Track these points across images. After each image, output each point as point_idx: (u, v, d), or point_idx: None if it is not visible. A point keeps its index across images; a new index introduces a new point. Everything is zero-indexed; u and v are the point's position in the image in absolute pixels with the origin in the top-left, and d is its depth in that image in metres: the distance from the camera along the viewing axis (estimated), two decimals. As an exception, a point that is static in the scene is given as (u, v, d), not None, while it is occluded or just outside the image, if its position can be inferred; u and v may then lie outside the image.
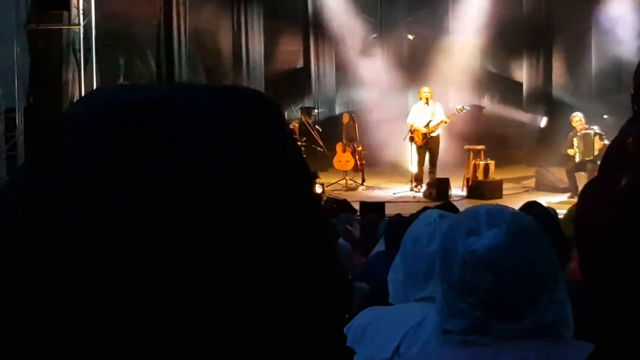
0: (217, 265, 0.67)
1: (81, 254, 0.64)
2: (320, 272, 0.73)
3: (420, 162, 16.35)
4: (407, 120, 16.28)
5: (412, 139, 16.09)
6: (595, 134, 14.82)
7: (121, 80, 20.00)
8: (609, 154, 0.82)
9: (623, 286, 0.74)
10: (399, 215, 6.67)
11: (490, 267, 1.69)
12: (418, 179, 16.42)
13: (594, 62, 19.45)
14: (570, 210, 6.82)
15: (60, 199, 0.66)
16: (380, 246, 6.41)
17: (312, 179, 0.79)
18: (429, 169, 16.40)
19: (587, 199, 0.82)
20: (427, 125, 16.03)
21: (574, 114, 15.54)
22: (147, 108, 0.70)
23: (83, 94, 17.08)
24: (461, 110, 16.39)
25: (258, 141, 0.71)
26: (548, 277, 1.74)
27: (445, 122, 16.17)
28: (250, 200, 0.68)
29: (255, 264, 0.68)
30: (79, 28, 17.20)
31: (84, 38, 17.45)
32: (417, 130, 16.02)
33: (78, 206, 0.65)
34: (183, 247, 0.65)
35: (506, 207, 1.99)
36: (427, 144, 16.19)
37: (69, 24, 17.23)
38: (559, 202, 13.72)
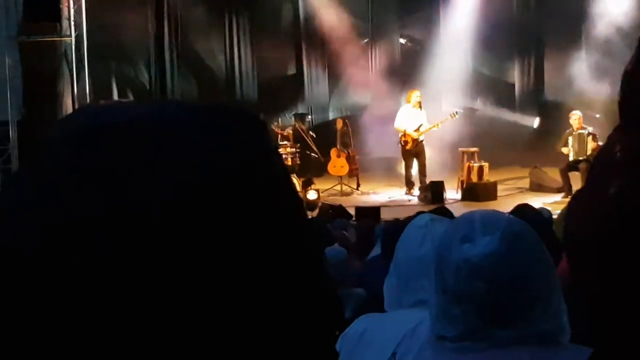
0: (202, 290, 0.66)
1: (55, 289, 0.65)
2: (309, 290, 0.73)
3: (409, 167, 16.37)
4: (395, 125, 16.24)
5: (405, 143, 16.09)
6: (589, 134, 14.85)
7: (114, 91, 20.01)
8: (597, 161, 0.82)
9: (614, 292, 0.74)
10: (396, 220, 6.66)
11: (485, 274, 1.69)
12: (409, 184, 16.45)
13: (585, 62, 19.48)
14: (564, 211, 6.82)
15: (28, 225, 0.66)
16: (376, 250, 6.40)
17: (298, 197, 0.78)
18: (421, 172, 16.40)
19: (576, 207, 0.82)
20: (418, 129, 16.03)
21: (573, 112, 15.56)
22: (121, 130, 0.70)
23: (76, 105, 17.12)
24: (454, 116, 16.41)
25: (235, 159, 0.71)
26: (543, 284, 1.73)
27: (437, 127, 16.18)
28: (236, 220, 0.68)
29: (242, 285, 0.68)
30: (71, 39, 17.18)
31: (75, 49, 17.44)
32: (409, 135, 16.01)
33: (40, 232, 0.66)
34: (150, 257, 0.66)
35: (501, 213, 1.98)
36: (415, 149, 16.18)
37: (61, 36, 17.21)
38: (554, 202, 13.75)
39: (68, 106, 17.47)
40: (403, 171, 16.64)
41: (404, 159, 16.38)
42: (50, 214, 0.66)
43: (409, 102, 16.37)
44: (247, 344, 0.69)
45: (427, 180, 16.04)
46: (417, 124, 16.05)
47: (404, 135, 16.06)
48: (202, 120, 0.74)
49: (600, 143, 13.32)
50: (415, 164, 16.38)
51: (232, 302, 0.69)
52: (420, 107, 16.22)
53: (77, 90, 17.49)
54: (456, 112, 16.57)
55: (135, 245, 0.66)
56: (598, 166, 0.82)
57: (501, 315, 1.71)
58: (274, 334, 0.70)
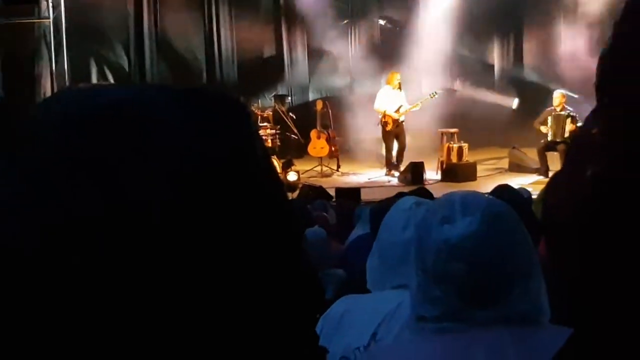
0: (182, 274, 0.66)
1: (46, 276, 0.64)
2: (292, 274, 0.74)
3: (390, 148, 16.40)
4: (375, 106, 16.27)
5: (385, 124, 16.11)
6: (568, 115, 14.87)
7: (93, 73, 19.87)
8: (574, 143, 0.83)
9: (593, 275, 0.75)
10: (384, 199, 6.66)
11: (464, 255, 1.70)
12: (390, 165, 16.48)
13: (564, 43, 19.51)
14: (542, 192, 6.86)
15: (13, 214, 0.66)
16: (356, 232, 6.42)
17: (280, 181, 0.79)
18: (400, 153, 16.45)
19: (554, 189, 0.83)
20: (398, 110, 16.06)
21: (558, 90, 15.60)
22: (106, 115, 0.69)
23: (55, 87, 17.00)
24: (433, 96, 16.45)
25: (223, 146, 0.71)
26: (523, 265, 1.74)
27: (417, 107, 16.23)
28: (216, 206, 0.68)
29: (222, 270, 0.68)
30: (49, 21, 17.04)
31: (54, 31, 17.31)
32: (389, 115, 16.03)
33: (33, 224, 0.65)
34: (151, 257, 0.65)
35: (481, 194, 1.99)
36: (396, 130, 16.21)
37: (39, 18, 17.07)
38: (533, 182, 13.82)
39: (47, 88, 17.38)
40: (383, 152, 16.66)
41: (385, 140, 16.41)
42: (49, 212, 0.65)
43: (389, 83, 16.40)
44: (228, 330, 0.69)
45: (407, 161, 16.07)
46: (397, 105, 16.08)
47: (384, 116, 16.09)
48: (185, 105, 0.73)
49: (580, 125, 13.37)
50: (395, 145, 16.41)
51: (227, 295, 0.69)
52: (400, 88, 16.27)
53: (56, 73, 17.38)
54: (435, 92, 16.62)
55: (135, 244, 0.66)
56: (575, 148, 0.83)
57: (481, 296, 1.71)
58: (258, 318, 0.71)
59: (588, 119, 0.81)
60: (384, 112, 16.08)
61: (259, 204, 0.72)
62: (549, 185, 0.86)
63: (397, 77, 16.42)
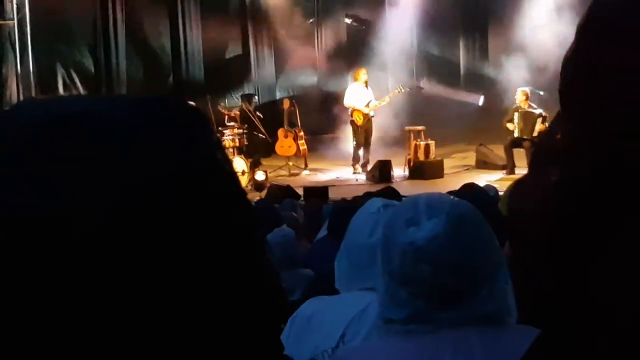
0: (137, 286, 0.66)
1: None
2: (251, 287, 0.73)
3: (360, 144, 16.46)
4: (345, 102, 16.33)
5: (356, 120, 16.15)
6: (540, 115, 14.92)
7: (59, 75, 19.71)
8: (538, 150, 0.83)
9: (556, 284, 0.75)
10: (343, 200, 6.68)
11: (430, 257, 1.70)
12: (357, 160, 16.55)
13: (529, 40, 19.64)
14: (508, 190, 6.90)
15: None
16: (324, 231, 6.41)
17: (242, 191, 0.78)
18: (366, 149, 16.55)
19: (518, 197, 0.83)
20: (368, 105, 16.14)
21: (520, 88, 15.72)
22: (64, 127, 0.68)
23: (21, 89, 16.85)
24: (400, 91, 16.56)
25: (182, 156, 0.70)
26: (489, 266, 1.74)
27: (386, 101, 16.33)
28: (171, 218, 0.67)
29: (181, 283, 0.67)
30: (13, 23, 16.87)
31: (19, 32, 17.15)
32: (359, 111, 16.09)
33: None
34: (105, 274, 0.64)
35: (446, 195, 1.99)
36: (366, 125, 16.29)
37: (4, 19, 16.90)
38: (499, 179, 13.92)
39: (13, 90, 17.23)
40: (351, 150, 16.69)
41: (355, 136, 16.44)
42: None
43: (357, 80, 16.48)
44: (192, 341, 0.68)
45: (374, 160, 16.12)
46: (366, 100, 16.15)
47: (354, 111, 16.13)
48: (142, 116, 0.72)
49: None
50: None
51: (182, 309, 0.68)
52: (366, 85, 16.36)
53: (21, 74, 17.23)
54: (402, 87, 16.75)
55: (71, 254, 0.65)
56: (539, 153, 0.82)
57: (447, 298, 1.72)
58: (218, 332, 0.70)
59: (552, 124, 0.81)
60: (354, 107, 16.12)
61: (219, 216, 0.71)
62: (513, 190, 0.85)
63: (363, 73, 16.52)
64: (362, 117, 16.17)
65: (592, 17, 0.74)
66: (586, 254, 0.72)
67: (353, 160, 16.64)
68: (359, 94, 16.27)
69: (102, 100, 0.76)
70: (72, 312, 0.64)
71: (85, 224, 0.65)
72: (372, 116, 16.35)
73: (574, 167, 0.72)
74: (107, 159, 0.67)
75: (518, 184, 0.86)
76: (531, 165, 0.82)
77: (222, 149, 0.78)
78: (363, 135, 16.39)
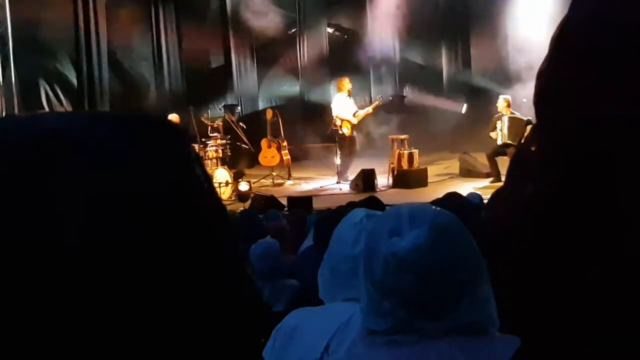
0: (115, 302, 0.66)
1: None
2: (231, 297, 0.73)
3: (347, 154, 16.42)
4: (335, 112, 16.20)
5: (345, 130, 16.08)
6: (529, 122, 14.87)
7: (41, 87, 19.65)
8: (514, 161, 0.83)
9: (530, 294, 0.75)
10: (327, 210, 6.69)
11: (412, 268, 1.70)
12: (344, 172, 16.50)
13: (510, 48, 19.71)
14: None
15: None
16: (308, 241, 6.41)
17: (221, 205, 0.78)
18: (351, 159, 16.52)
19: (494, 209, 0.83)
20: (355, 115, 16.12)
21: (502, 96, 15.73)
22: (42, 146, 0.68)
23: (3, 102, 16.79)
24: (380, 101, 16.59)
25: (161, 172, 0.70)
26: (471, 276, 1.74)
27: (370, 113, 16.34)
28: (152, 233, 0.67)
29: (159, 297, 0.67)
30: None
31: (0, 45, 17.09)
32: (348, 121, 16.04)
33: None
34: (83, 291, 0.64)
35: (429, 205, 1.99)
36: (352, 135, 16.27)
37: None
38: (483, 187, 13.93)
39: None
40: (336, 159, 16.63)
41: (342, 147, 16.35)
42: None
43: (341, 90, 16.40)
44: (171, 354, 0.68)
45: (358, 169, 16.09)
46: (353, 110, 16.13)
47: (343, 121, 16.05)
48: (121, 133, 0.72)
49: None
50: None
51: (161, 316, 0.68)
52: (349, 94, 16.35)
53: (4, 88, 17.16)
54: (381, 98, 16.80)
55: (43, 269, 0.65)
56: (515, 164, 0.83)
57: (430, 308, 1.72)
58: (198, 343, 0.70)
59: (528, 136, 0.82)
60: (343, 118, 16.05)
61: (198, 231, 0.71)
62: (490, 201, 0.86)
63: (347, 82, 16.49)
64: (350, 128, 16.14)
65: (564, 31, 0.75)
66: (563, 262, 0.72)
67: (341, 171, 16.52)
68: (346, 104, 16.23)
69: (81, 118, 0.76)
70: (51, 330, 0.64)
71: (63, 241, 0.65)
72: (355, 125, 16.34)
73: (546, 179, 0.73)
74: (84, 177, 0.67)
75: (495, 195, 0.86)
76: (508, 175, 0.83)
77: (202, 164, 0.78)
78: (351, 145, 16.34)
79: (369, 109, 16.34)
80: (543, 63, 0.78)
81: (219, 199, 0.79)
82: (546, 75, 0.76)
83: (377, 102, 16.60)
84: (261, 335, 0.79)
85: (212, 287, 0.71)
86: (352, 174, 16.24)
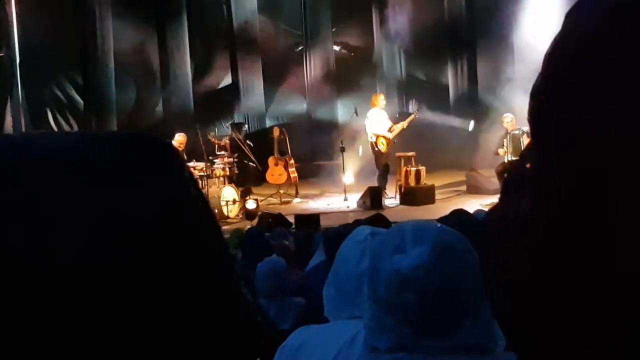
0: (110, 318, 0.66)
1: None
2: (226, 316, 0.73)
3: (386, 170, 16.29)
4: (371, 130, 16.01)
5: (382, 146, 15.97)
6: (523, 132, 14.93)
7: (49, 106, 19.77)
8: (509, 179, 0.83)
9: (525, 314, 0.75)
10: (340, 226, 6.66)
11: (415, 286, 1.69)
12: (384, 186, 16.34)
13: (516, 64, 19.71)
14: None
15: None
16: (316, 259, 6.40)
17: (216, 224, 0.78)
18: (386, 175, 16.38)
19: (490, 225, 0.83)
20: (391, 130, 16.04)
21: (505, 114, 15.72)
22: (45, 164, 0.69)
23: (10, 120, 16.89)
24: (416, 114, 16.58)
25: (158, 192, 0.71)
26: (475, 294, 1.73)
27: (405, 127, 16.24)
28: (148, 251, 0.68)
29: (154, 314, 0.67)
30: (2, 54, 16.93)
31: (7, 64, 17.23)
32: (384, 137, 15.97)
33: None
34: (80, 306, 0.65)
35: (433, 223, 1.99)
36: (388, 151, 16.18)
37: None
38: (491, 204, 13.86)
39: (8, 122, 17.28)
40: (343, 177, 16.54)
41: (380, 163, 16.23)
42: None
43: (375, 105, 16.18)
44: None
45: (366, 186, 16.00)
46: (388, 125, 16.06)
47: (379, 137, 15.96)
48: (119, 154, 0.73)
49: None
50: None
51: (155, 334, 0.68)
52: (384, 108, 16.28)
53: (11, 106, 17.26)
54: (416, 112, 16.82)
55: (43, 291, 0.65)
56: (511, 181, 0.83)
57: (433, 326, 1.71)
58: None
59: (523, 153, 0.81)
60: (379, 134, 15.97)
61: (193, 250, 0.72)
62: (485, 219, 0.86)
63: (382, 98, 16.41)
64: (386, 144, 16.05)
65: (558, 47, 0.75)
66: (552, 286, 0.72)
67: (382, 187, 16.26)
68: (380, 119, 16.11)
69: (74, 138, 0.76)
70: (46, 344, 0.65)
71: (56, 263, 0.65)
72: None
73: (541, 197, 0.72)
74: (76, 198, 0.67)
75: (491, 213, 0.86)
76: (502, 193, 0.83)
77: (196, 184, 0.78)
78: (385, 161, 16.26)
79: (404, 124, 16.16)
80: (537, 79, 0.78)
81: (215, 219, 0.79)
82: (540, 92, 0.76)
83: (412, 117, 16.49)
84: (257, 355, 0.79)
85: (206, 307, 0.71)
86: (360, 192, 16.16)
